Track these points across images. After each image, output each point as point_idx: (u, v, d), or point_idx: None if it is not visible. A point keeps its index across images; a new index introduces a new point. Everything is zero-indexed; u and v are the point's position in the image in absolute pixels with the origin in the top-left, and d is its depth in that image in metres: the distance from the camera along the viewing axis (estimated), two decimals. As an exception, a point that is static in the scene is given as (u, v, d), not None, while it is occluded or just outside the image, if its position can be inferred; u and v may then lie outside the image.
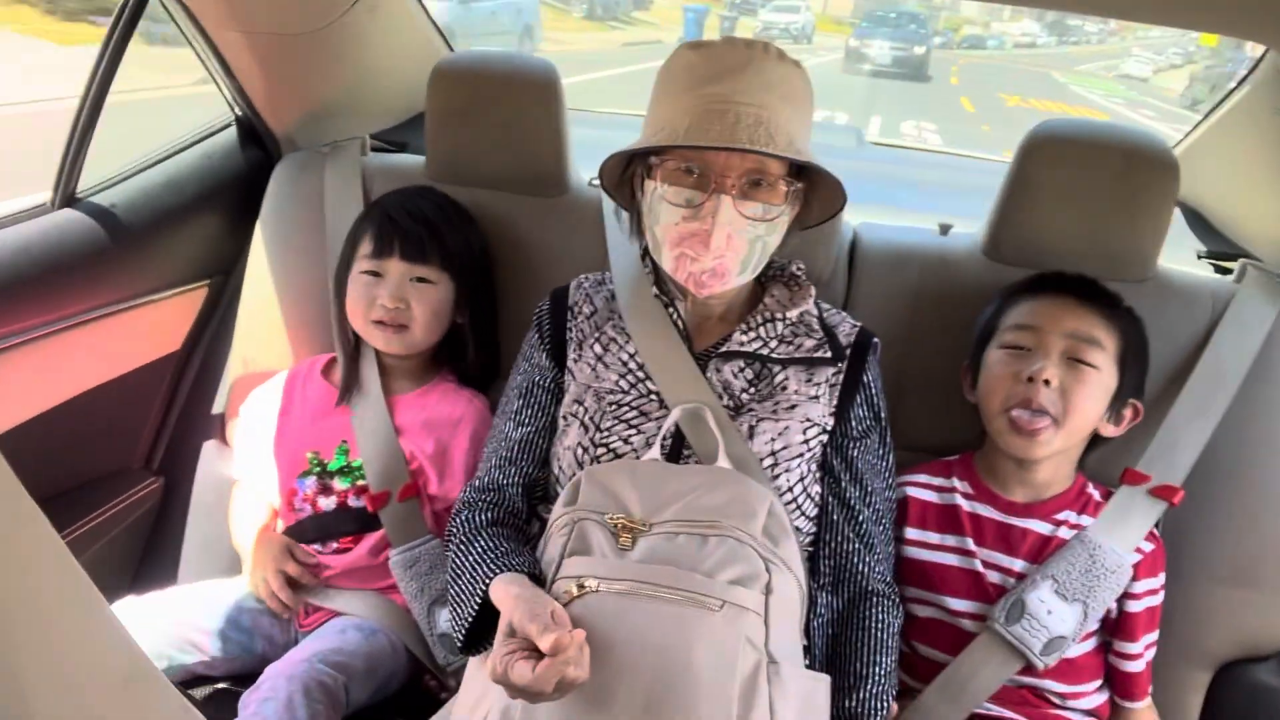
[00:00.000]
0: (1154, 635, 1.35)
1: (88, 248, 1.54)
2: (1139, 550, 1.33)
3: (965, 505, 1.37)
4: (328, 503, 1.48)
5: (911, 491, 1.40)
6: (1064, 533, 1.33)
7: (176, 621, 1.40)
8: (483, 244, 1.59)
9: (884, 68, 18.08)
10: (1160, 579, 1.36)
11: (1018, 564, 1.33)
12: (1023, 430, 1.29)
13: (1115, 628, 1.34)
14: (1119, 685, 1.36)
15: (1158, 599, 1.35)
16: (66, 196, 1.56)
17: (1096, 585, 1.28)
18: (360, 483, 1.47)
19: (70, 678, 0.54)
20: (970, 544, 1.35)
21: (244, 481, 1.59)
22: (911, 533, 1.38)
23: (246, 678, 1.32)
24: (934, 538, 1.37)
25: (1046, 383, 1.28)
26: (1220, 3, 1.34)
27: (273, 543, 1.47)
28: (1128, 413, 1.37)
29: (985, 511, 1.37)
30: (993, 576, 1.33)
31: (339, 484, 1.48)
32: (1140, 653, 1.34)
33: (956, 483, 1.39)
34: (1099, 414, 1.32)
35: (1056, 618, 1.27)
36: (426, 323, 1.49)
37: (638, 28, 20.22)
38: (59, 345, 1.52)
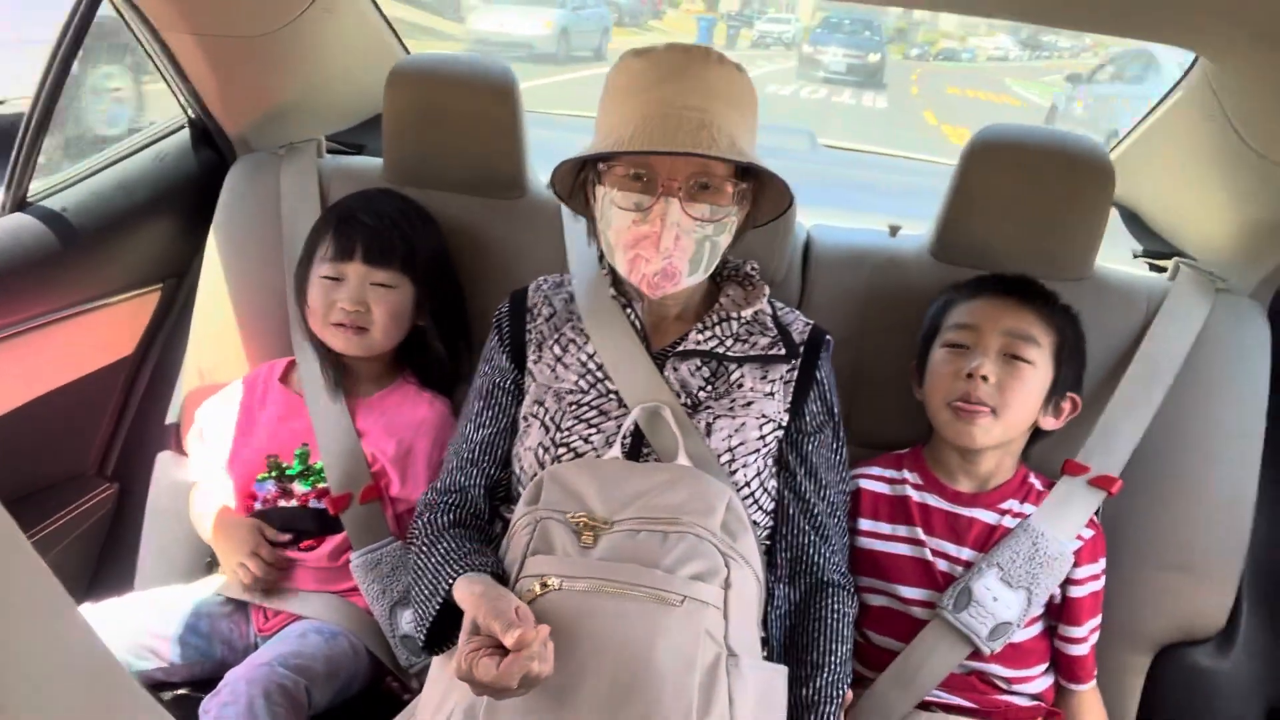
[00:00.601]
0: (1097, 620, 1.40)
1: (38, 252, 1.52)
2: (1079, 537, 1.38)
3: (915, 496, 1.42)
4: (288, 504, 1.48)
5: (864, 484, 1.44)
6: (1009, 521, 1.38)
7: (133, 628, 1.39)
8: (443, 247, 1.59)
9: (838, 75, 17.88)
10: (1101, 564, 1.41)
11: (965, 552, 1.38)
12: (962, 415, 1.35)
13: (1060, 613, 1.39)
14: (1064, 668, 1.40)
15: (1100, 584, 1.40)
16: (17, 200, 1.53)
17: (1040, 572, 1.33)
18: (321, 485, 1.47)
19: (36, 676, 0.55)
20: (920, 533, 1.39)
21: (203, 479, 1.57)
22: (864, 523, 1.42)
23: (206, 683, 1.31)
24: (885, 528, 1.41)
25: (984, 379, 1.34)
26: (1152, 11, 1.39)
27: (241, 525, 1.46)
28: (1066, 406, 1.42)
29: (934, 501, 1.41)
30: (941, 565, 1.38)
31: (299, 487, 1.48)
32: (1084, 636, 1.39)
33: (907, 474, 1.44)
34: (1035, 407, 1.38)
35: (1002, 604, 1.32)
36: (386, 326, 1.49)
37: (654, 34, 21.24)
38: (10, 350, 1.50)
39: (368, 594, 1.42)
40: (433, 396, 1.56)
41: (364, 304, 1.47)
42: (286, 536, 1.47)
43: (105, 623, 1.37)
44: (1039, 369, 1.36)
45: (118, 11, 1.56)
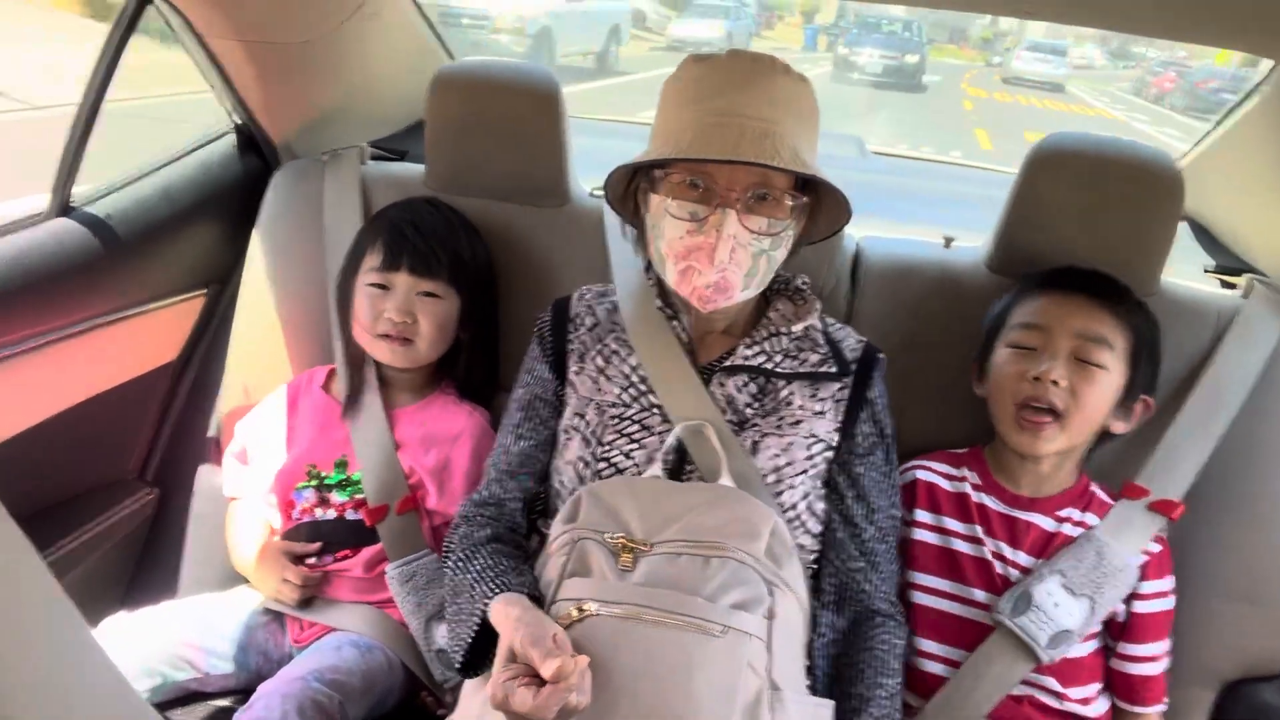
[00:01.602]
0: (1167, 643, 1.35)
1: (83, 257, 1.53)
2: (1146, 552, 1.33)
3: (973, 495, 1.38)
4: (325, 515, 1.47)
5: (921, 475, 1.41)
6: (1068, 529, 1.34)
7: (170, 638, 1.38)
8: (487, 257, 1.59)
9: (874, 76, 17.30)
10: (1170, 582, 1.36)
11: (1021, 557, 1.34)
12: (1027, 426, 1.30)
13: (1123, 630, 1.34)
14: (1127, 690, 1.35)
15: (1169, 603, 1.35)
16: (61, 205, 1.54)
17: (1104, 582, 1.29)
18: (358, 496, 1.46)
19: (50, 700, 0.53)
20: (979, 532, 1.35)
21: (240, 497, 1.57)
22: (922, 515, 1.39)
23: (241, 694, 1.31)
24: (945, 522, 1.38)
25: (1055, 383, 1.28)
26: (1228, 18, 1.33)
27: (267, 553, 1.46)
28: (1138, 408, 1.36)
29: (991, 503, 1.38)
30: (998, 567, 1.34)
31: (337, 497, 1.47)
32: (1153, 656, 1.34)
33: (966, 472, 1.40)
34: (1106, 411, 1.33)
35: (1063, 611, 1.28)
36: (432, 337, 1.48)
37: (768, 42, 22.98)
38: (54, 356, 1.51)
39: (403, 607, 1.41)
40: (472, 408, 1.54)
41: (411, 314, 1.46)
42: (315, 546, 1.46)
43: (141, 631, 1.38)
44: (1112, 373, 1.31)
45: (164, 19, 1.57)
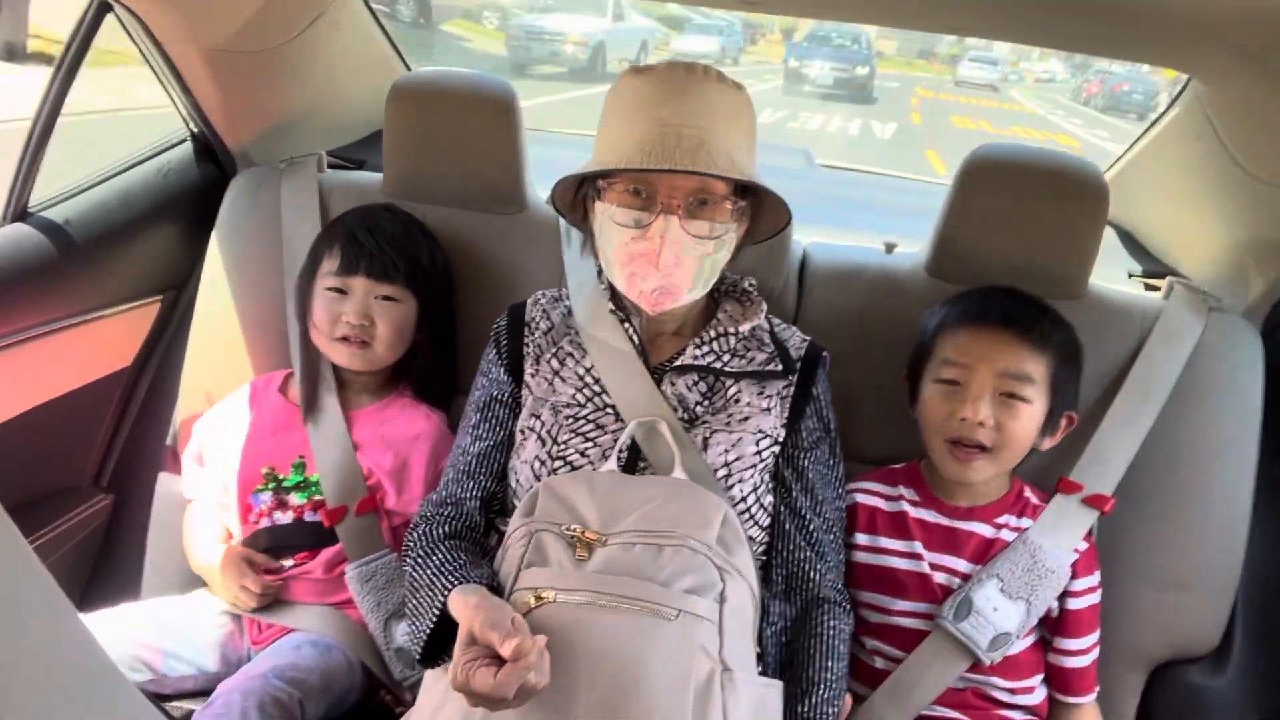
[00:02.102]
0: (1097, 634, 1.41)
1: (38, 262, 1.52)
2: (1075, 550, 1.39)
3: (912, 511, 1.42)
4: (284, 517, 1.48)
5: (860, 498, 1.44)
6: (1005, 535, 1.39)
7: (129, 640, 1.38)
8: (445, 262, 1.61)
9: (826, 89, 17.25)
10: (1096, 577, 1.42)
11: (962, 565, 1.38)
12: (958, 458, 1.35)
13: (1057, 626, 1.39)
14: (1062, 682, 1.40)
15: (1097, 596, 1.41)
16: (18, 211, 1.54)
17: (1038, 584, 1.34)
18: (316, 498, 1.47)
19: (32, 676, 0.55)
20: (918, 547, 1.39)
21: (197, 500, 1.57)
22: (861, 538, 1.42)
23: (199, 695, 1.31)
24: (883, 542, 1.41)
25: (980, 425, 1.32)
26: (1145, 35, 1.41)
27: (227, 560, 1.46)
28: (1063, 423, 1.42)
29: (930, 517, 1.42)
30: (939, 578, 1.38)
31: (295, 499, 1.48)
32: (1084, 649, 1.39)
33: (903, 490, 1.44)
34: (1032, 439, 1.37)
35: (1002, 615, 1.33)
36: (390, 340, 1.50)
37: (752, 56, 23.94)
38: (8, 360, 1.50)
39: (362, 606, 1.42)
40: (429, 409, 1.56)
41: (369, 318, 1.48)
42: (275, 564, 1.47)
43: (99, 633, 1.36)
44: (1035, 404, 1.35)
45: (121, 24, 1.57)
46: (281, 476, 1.49)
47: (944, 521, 1.41)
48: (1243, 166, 1.50)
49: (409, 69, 2.02)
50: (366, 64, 1.94)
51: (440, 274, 1.59)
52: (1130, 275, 1.82)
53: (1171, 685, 1.52)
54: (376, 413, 1.54)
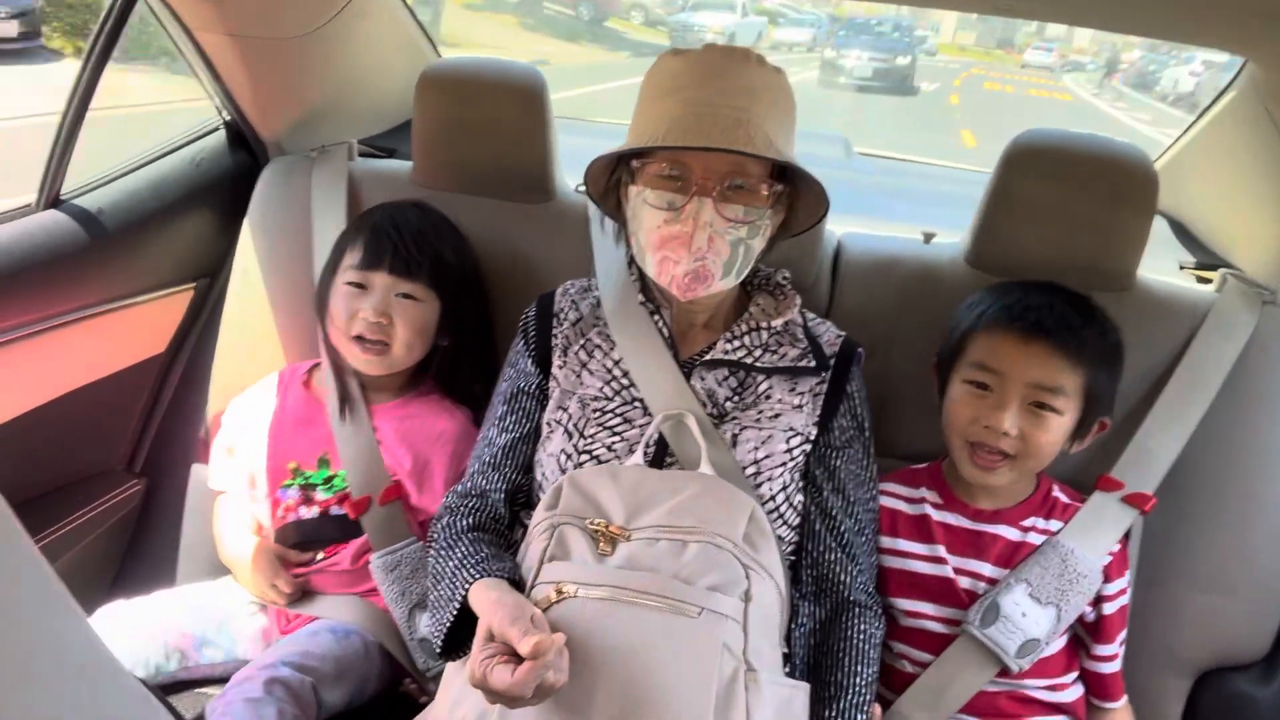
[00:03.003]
0: (1124, 634, 1.37)
1: (72, 249, 1.54)
2: (1109, 553, 1.34)
3: (935, 514, 1.38)
4: (309, 512, 1.48)
5: (883, 501, 1.40)
6: (1033, 538, 1.34)
7: (165, 627, 1.39)
8: (475, 263, 1.57)
9: (864, 80, 16.51)
10: (1127, 578, 1.37)
11: (987, 569, 1.34)
12: (979, 462, 1.31)
13: (1090, 630, 1.35)
14: (1095, 687, 1.37)
15: (1126, 598, 1.37)
16: (51, 198, 1.55)
17: (1069, 589, 1.29)
18: (341, 491, 1.47)
19: (26, 666, 0.54)
20: (941, 551, 1.35)
21: (227, 492, 1.58)
22: (884, 541, 1.38)
23: (224, 682, 1.32)
24: (904, 545, 1.38)
25: (1005, 434, 1.28)
26: (1200, 15, 1.35)
27: (260, 556, 1.46)
28: (1094, 428, 1.36)
29: (954, 520, 1.37)
30: (964, 582, 1.34)
31: (320, 494, 1.48)
32: (1115, 653, 1.35)
33: (925, 492, 1.40)
34: (1058, 448, 1.32)
35: (1031, 620, 1.28)
36: (408, 340, 1.45)
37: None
38: (42, 346, 1.52)
39: (387, 596, 1.42)
40: (453, 406, 1.54)
41: (387, 316, 1.43)
42: (306, 556, 1.47)
43: (139, 619, 1.38)
44: (1066, 415, 1.29)
45: (152, 12, 1.58)
46: (307, 472, 1.49)
47: (967, 524, 1.36)
48: None
49: (439, 55, 2.01)
50: (397, 52, 1.93)
51: (469, 275, 1.54)
52: (1181, 267, 1.76)
53: (1218, 692, 1.48)
54: (398, 408, 1.52)
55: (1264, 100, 1.49)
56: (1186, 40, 1.57)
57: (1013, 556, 1.34)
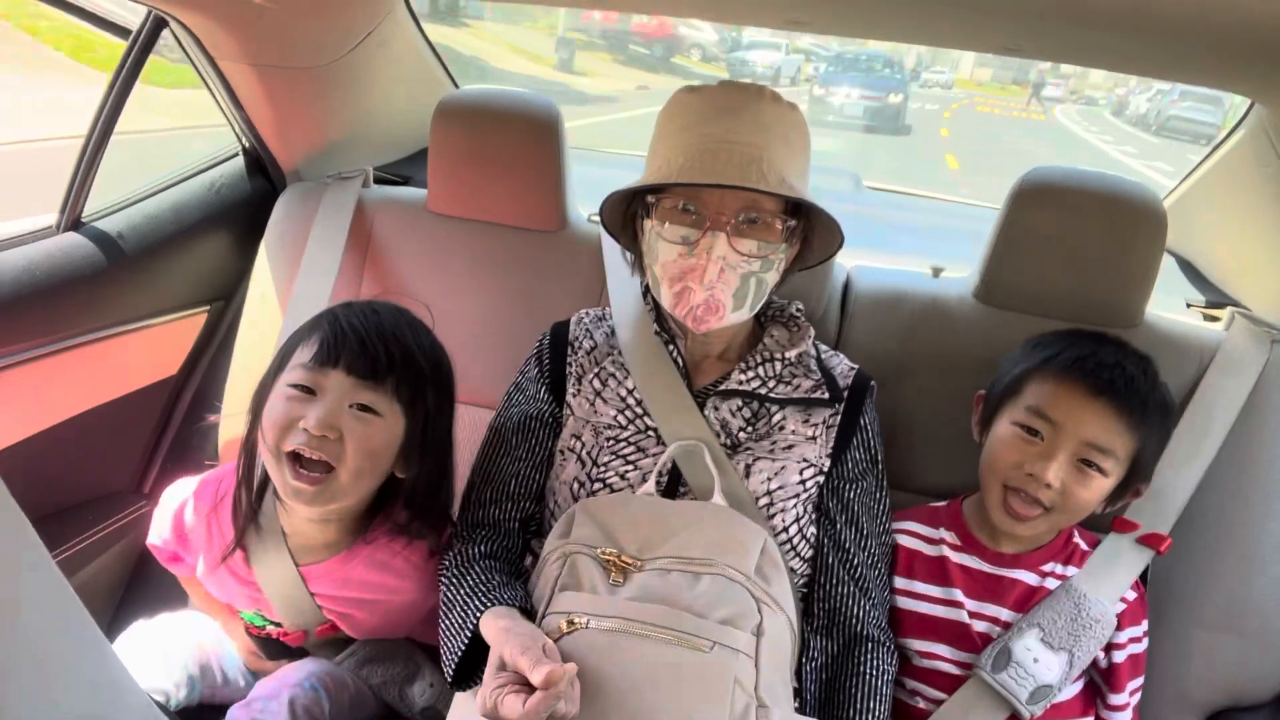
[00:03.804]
0: (1139, 681, 1.35)
1: (90, 270, 1.55)
2: (1123, 600, 1.33)
3: (953, 557, 1.36)
4: (261, 634, 1.38)
5: (901, 540, 1.39)
6: (1050, 583, 1.33)
7: (188, 649, 1.35)
8: (450, 375, 1.26)
9: (854, 119, 15.25)
10: (1143, 626, 1.36)
11: (1004, 613, 1.32)
12: (1013, 513, 1.29)
13: (1103, 677, 1.34)
14: None
15: (1141, 646, 1.35)
16: (72, 220, 1.57)
17: (1082, 635, 1.28)
18: (279, 629, 1.35)
19: (40, 678, 0.54)
20: (958, 594, 1.34)
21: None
22: (900, 582, 1.37)
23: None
24: (921, 588, 1.36)
25: (1048, 486, 1.25)
26: (1206, 57, 1.37)
27: (236, 635, 1.40)
28: (1129, 497, 1.34)
29: (973, 563, 1.36)
30: (979, 626, 1.33)
31: (261, 626, 1.36)
32: (1126, 702, 1.34)
33: (944, 534, 1.38)
34: (1095, 506, 1.30)
35: (1043, 666, 1.27)
36: (357, 467, 1.14)
37: None
38: (57, 365, 1.53)
39: (370, 683, 1.34)
40: (405, 548, 1.27)
41: (335, 430, 1.12)
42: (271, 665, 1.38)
43: (168, 636, 1.34)
44: (1110, 478, 1.27)
45: (177, 40, 1.61)
46: (245, 613, 1.37)
47: (987, 569, 1.35)
48: None
49: (456, 86, 2.03)
50: (414, 82, 1.96)
51: (443, 386, 1.24)
52: (1189, 305, 1.77)
53: None
54: (337, 567, 1.26)
55: (1271, 140, 1.51)
56: (1193, 81, 1.59)
57: (1029, 600, 1.32)
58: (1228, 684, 1.46)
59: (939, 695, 1.33)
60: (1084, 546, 1.37)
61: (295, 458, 1.13)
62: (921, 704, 1.34)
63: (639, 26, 20.75)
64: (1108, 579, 1.32)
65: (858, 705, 1.17)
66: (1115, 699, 1.33)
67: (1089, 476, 1.26)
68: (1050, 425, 1.27)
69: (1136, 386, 1.26)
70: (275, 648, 1.39)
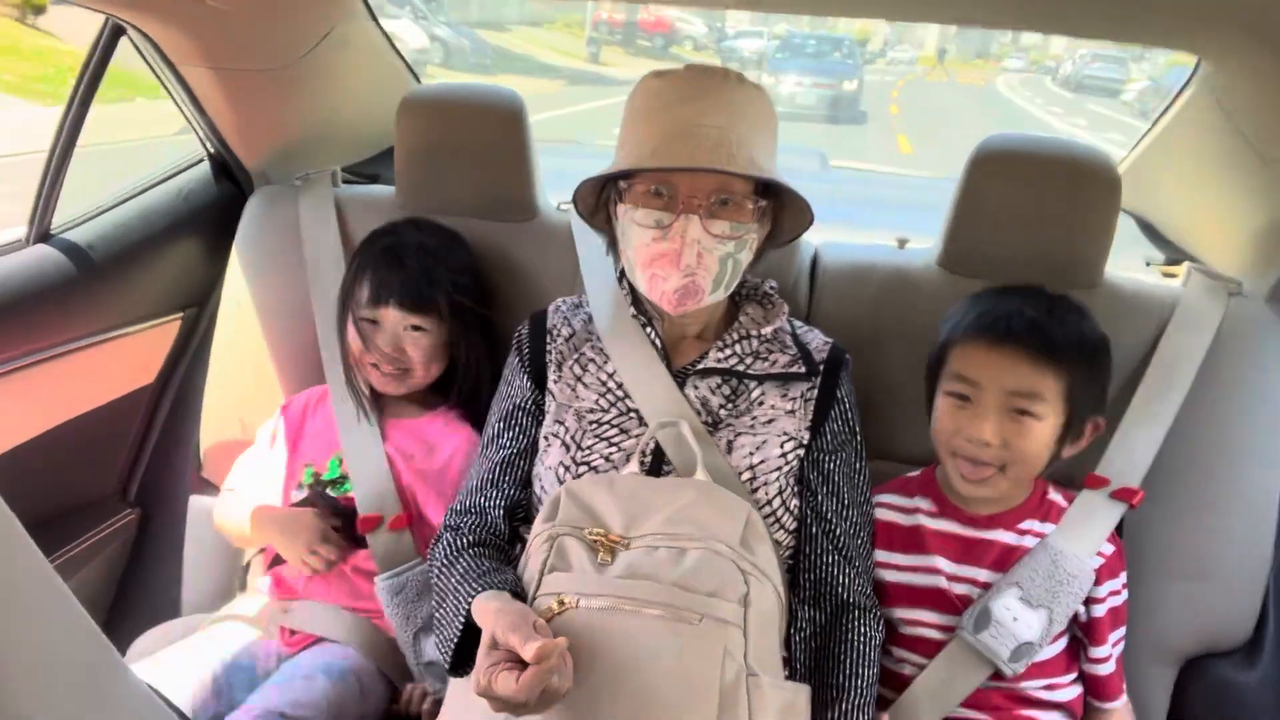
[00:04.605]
0: (1120, 633, 1.38)
1: (61, 282, 1.55)
2: (1100, 554, 1.34)
3: (930, 524, 1.38)
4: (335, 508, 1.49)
5: (878, 513, 1.40)
6: (1029, 541, 1.35)
7: (194, 678, 1.37)
8: (475, 270, 1.58)
9: (805, 110, 13.76)
10: (1121, 579, 1.38)
11: (983, 574, 1.34)
12: (967, 476, 1.31)
13: (1084, 631, 1.35)
14: (1092, 687, 1.38)
15: (1120, 599, 1.38)
16: (41, 233, 1.57)
17: (1059, 591, 1.29)
18: (352, 494, 1.47)
19: (35, 666, 0.55)
20: (937, 561, 1.35)
21: (229, 494, 1.58)
22: (880, 554, 1.38)
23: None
24: (900, 559, 1.38)
25: (988, 444, 1.28)
26: (1149, 17, 1.40)
27: (302, 515, 1.45)
28: (1088, 429, 1.36)
29: (950, 527, 1.37)
30: (959, 589, 1.34)
31: (334, 493, 1.49)
32: (1109, 654, 1.36)
33: (920, 501, 1.40)
34: (1046, 452, 1.31)
35: (1023, 624, 1.29)
36: (425, 363, 1.50)
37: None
38: (32, 379, 1.53)
39: (392, 619, 1.41)
40: (471, 430, 1.54)
41: (400, 349, 1.48)
42: (337, 522, 1.46)
43: (166, 674, 1.36)
44: (1047, 420, 1.29)
45: (135, 47, 1.60)
46: (320, 474, 1.50)
47: (964, 531, 1.36)
48: (1256, 149, 1.49)
49: (419, 82, 2.03)
50: (378, 80, 1.96)
51: (471, 290, 1.55)
52: (1148, 264, 1.81)
53: (1203, 679, 1.50)
54: (417, 426, 1.54)
55: (1218, 96, 1.54)
56: (1137, 41, 1.62)
57: (1008, 560, 1.34)
58: (1202, 632, 1.49)
59: (925, 661, 1.34)
60: (1061, 502, 1.38)
61: (376, 366, 1.48)
62: (908, 670, 1.36)
63: (643, 23, 23.46)
64: (1083, 534, 1.34)
65: (847, 672, 1.20)
66: (1097, 651, 1.35)
67: (1025, 425, 1.28)
68: (972, 386, 1.30)
69: (1039, 326, 1.29)
70: (350, 515, 1.46)
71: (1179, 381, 1.47)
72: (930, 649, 1.35)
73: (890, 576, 1.37)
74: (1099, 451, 1.43)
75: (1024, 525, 1.36)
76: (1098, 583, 1.33)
